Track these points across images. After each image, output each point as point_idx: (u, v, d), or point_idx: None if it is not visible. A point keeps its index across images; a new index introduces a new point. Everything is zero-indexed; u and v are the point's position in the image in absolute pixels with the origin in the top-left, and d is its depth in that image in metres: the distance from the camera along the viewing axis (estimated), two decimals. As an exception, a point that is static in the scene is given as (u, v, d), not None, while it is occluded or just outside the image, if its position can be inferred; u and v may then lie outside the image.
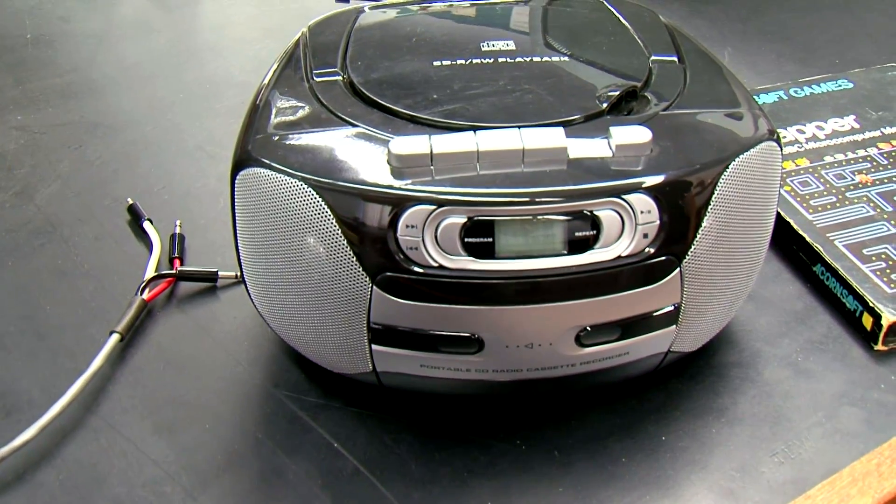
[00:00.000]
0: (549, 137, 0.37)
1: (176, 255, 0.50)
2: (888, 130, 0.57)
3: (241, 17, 0.78)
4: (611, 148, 0.37)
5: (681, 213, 0.37)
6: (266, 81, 0.45)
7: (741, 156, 0.38)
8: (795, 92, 0.61)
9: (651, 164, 0.37)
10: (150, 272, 0.49)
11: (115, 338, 0.45)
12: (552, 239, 0.37)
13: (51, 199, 0.56)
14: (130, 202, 0.54)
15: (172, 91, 0.67)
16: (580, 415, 0.42)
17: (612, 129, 0.38)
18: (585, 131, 0.38)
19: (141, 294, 0.47)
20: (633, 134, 0.37)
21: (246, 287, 0.43)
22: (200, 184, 0.57)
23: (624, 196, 0.36)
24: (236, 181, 0.39)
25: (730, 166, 0.38)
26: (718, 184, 0.38)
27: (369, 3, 0.50)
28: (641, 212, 0.37)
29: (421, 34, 0.46)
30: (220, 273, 0.49)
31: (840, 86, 0.61)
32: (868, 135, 0.57)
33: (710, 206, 0.38)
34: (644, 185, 0.36)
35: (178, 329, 0.47)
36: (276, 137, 0.39)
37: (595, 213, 0.36)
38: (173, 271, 0.49)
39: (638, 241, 0.37)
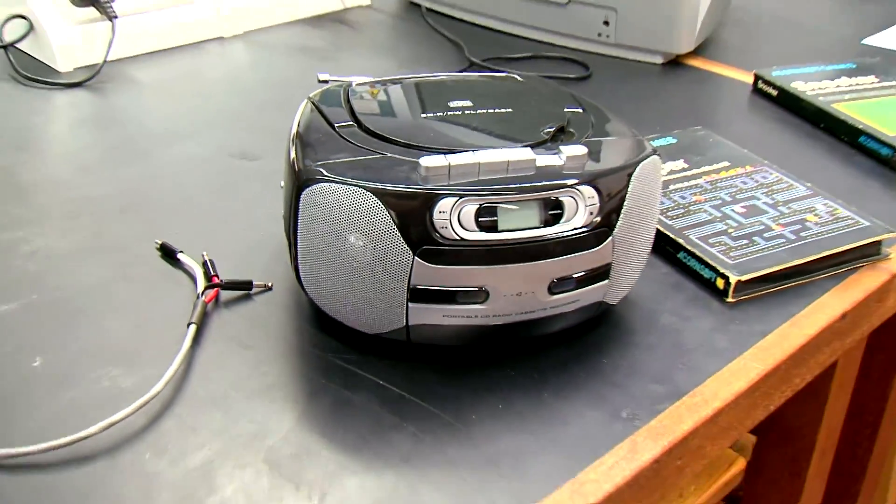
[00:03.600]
0: (524, 153, 0.56)
1: (213, 273, 0.65)
2: (707, 168, 0.80)
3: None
4: (562, 159, 0.57)
5: (611, 198, 0.57)
6: (295, 132, 0.61)
7: (643, 162, 0.59)
8: (638, 148, 0.84)
9: (590, 168, 0.57)
10: (201, 285, 0.63)
11: (193, 327, 0.59)
12: (533, 217, 0.55)
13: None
14: (160, 242, 0.69)
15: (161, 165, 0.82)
16: (544, 350, 0.60)
17: (562, 147, 0.57)
18: (542, 150, 0.58)
19: (201, 298, 0.62)
20: (576, 149, 0.57)
21: (299, 279, 0.58)
22: (205, 226, 0.72)
23: (577, 187, 0.56)
24: (302, 196, 0.56)
25: (637, 168, 0.58)
26: (632, 179, 0.58)
27: (355, 80, 0.68)
28: (588, 197, 0.56)
29: (403, 98, 0.65)
30: (254, 282, 0.65)
31: (669, 141, 0.84)
32: (694, 171, 0.79)
33: (627, 194, 0.57)
34: (588, 180, 0.56)
35: (231, 323, 0.61)
36: (329, 163, 0.56)
37: (560, 198, 0.55)
38: (220, 282, 0.64)
39: (587, 217, 0.56)
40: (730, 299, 0.66)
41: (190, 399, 0.55)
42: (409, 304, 0.56)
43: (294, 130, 0.61)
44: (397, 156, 0.57)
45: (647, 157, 0.60)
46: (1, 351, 0.58)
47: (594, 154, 0.58)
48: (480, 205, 0.54)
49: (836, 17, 1.26)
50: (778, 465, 1.02)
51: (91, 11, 0.98)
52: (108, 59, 0.97)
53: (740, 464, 0.98)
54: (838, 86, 0.97)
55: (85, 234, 0.70)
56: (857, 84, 0.97)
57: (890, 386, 1.14)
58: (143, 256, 0.68)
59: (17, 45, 0.98)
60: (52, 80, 0.94)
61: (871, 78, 0.99)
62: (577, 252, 0.57)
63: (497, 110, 0.63)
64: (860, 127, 0.88)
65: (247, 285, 0.64)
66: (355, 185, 0.54)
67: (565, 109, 0.64)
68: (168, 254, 0.68)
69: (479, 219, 0.54)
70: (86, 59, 0.98)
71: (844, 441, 1.17)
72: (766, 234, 0.70)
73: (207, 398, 0.55)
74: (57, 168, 0.79)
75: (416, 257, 0.54)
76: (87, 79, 0.95)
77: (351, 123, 0.61)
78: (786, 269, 0.67)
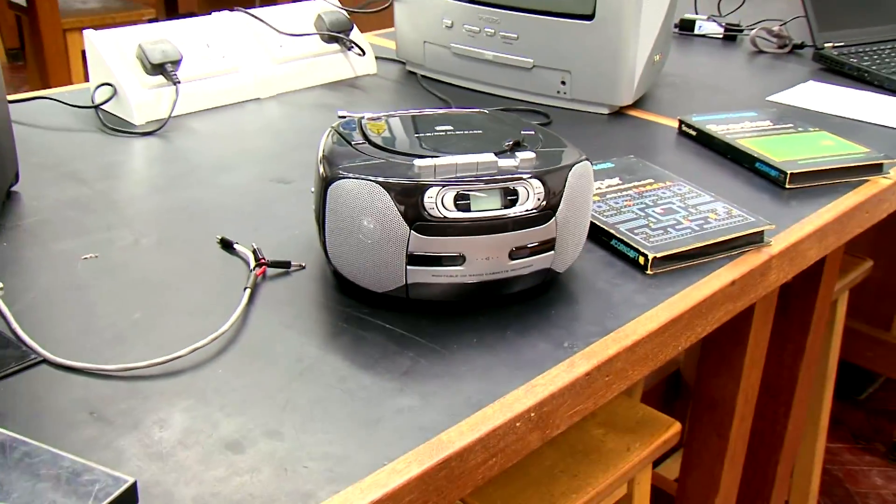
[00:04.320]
0: (489, 157, 0.69)
1: (261, 257, 0.77)
2: (637, 183, 0.93)
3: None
4: (517, 161, 0.69)
5: (554, 189, 0.70)
6: (323, 146, 0.74)
7: (577, 164, 0.72)
8: (584, 171, 0.96)
9: (537, 167, 0.70)
10: (253, 263, 0.76)
11: (248, 291, 0.71)
12: (496, 201, 0.68)
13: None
14: (220, 237, 0.81)
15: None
16: (508, 305, 0.72)
17: (517, 153, 0.70)
18: (502, 156, 0.70)
19: (253, 272, 0.74)
20: (527, 155, 0.70)
21: (326, 252, 0.71)
22: (254, 225, 0.85)
23: (528, 180, 0.68)
24: (329, 190, 0.68)
25: (573, 168, 0.71)
26: (569, 176, 0.70)
27: (366, 114, 0.81)
28: (536, 187, 0.69)
29: (402, 124, 0.78)
30: (291, 262, 0.77)
31: (608, 166, 0.97)
32: (626, 185, 0.92)
33: (565, 187, 0.70)
34: (535, 175, 0.69)
35: (275, 290, 0.74)
36: (347, 166, 0.69)
37: (516, 188, 0.68)
38: (266, 261, 0.76)
39: (536, 202, 0.69)
40: (649, 272, 0.78)
41: (248, 336, 0.67)
42: (408, 268, 0.68)
43: (321, 147, 0.74)
44: (398, 160, 0.70)
45: (581, 161, 0.72)
46: (110, 309, 0.70)
47: (541, 159, 0.71)
48: (458, 192, 0.67)
49: (749, 80, 1.40)
50: (707, 428, 1.13)
51: (160, 78, 1.11)
52: (173, 114, 1.11)
53: (676, 427, 1.09)
54: (742, 127, 1.11)
55: (163, 234, 0.83)
56: (756, 126, 1.11)
57: (797, 373, 1.26)
58: (208, 247, 0.80)
59: (104, 107, 1.12)
60: (130, 130, 1.08)
61: (767, 122, 1.13)
62: (529, 228, 0.69)
63: (471, 132, 0.76)
64: (756, 156, 1.01)
65: (286, 265, 0.77)
66: (367, 180, 0.67)
67: (521, 131, 0.77)
68: (226, 245, 0.80)
69: (457, 202, 0.67)
70: (156, 115, 1.11)
71: (764, 418, 1.29)
72: (677, 227, 0.83)
73: (260, 336, 0.67)
74: (138, 190, 0.92)
75: (412, 231, 0.67)
76: (157, 129, 1.08)
77: (363, 141, 0.74)
78: (691, 249, 0.80)
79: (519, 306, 0.73)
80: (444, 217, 0.67)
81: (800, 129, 1.10)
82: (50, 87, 1.21)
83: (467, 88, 1.30)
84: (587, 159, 0.74)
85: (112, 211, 0.87)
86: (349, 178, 0.67)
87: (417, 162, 0.68)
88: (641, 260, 0.79)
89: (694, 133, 1.12)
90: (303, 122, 1.14)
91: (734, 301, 0.80)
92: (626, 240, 0.80)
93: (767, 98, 1.30)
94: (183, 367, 0.63)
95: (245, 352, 0.65)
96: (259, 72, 1.21)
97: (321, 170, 0.71)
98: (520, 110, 1.22)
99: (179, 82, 1.11)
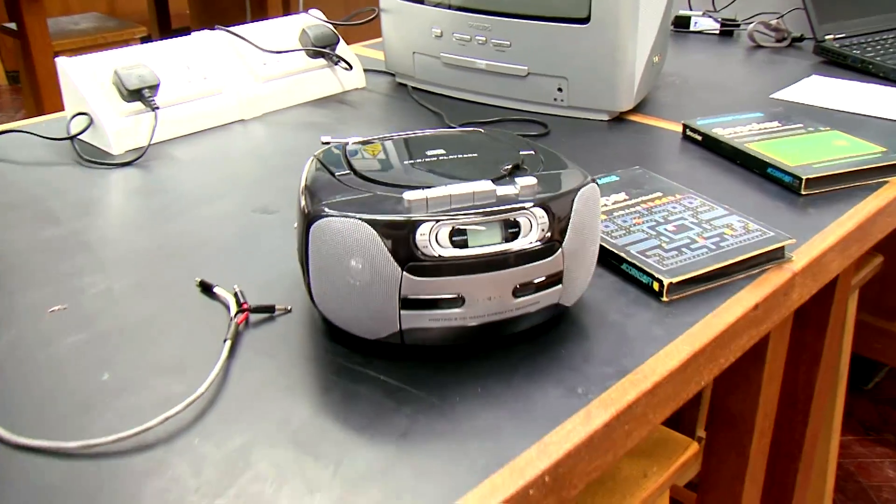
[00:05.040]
0: (486, 185, 0.60)
1: (243, 301, 0.69)
2: (644, 198, 0.84)
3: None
4: (517, 188, 0.61)
5: (559, 217, 0.61)
6: (305, 177, 0.65)
7: (583, 188, 0.63)
8: (587, 186, 0.88)
9: (540, 194, 0.61)
10: (234, 310, 0.67)
11: (228, 343, 0.63)
12: (496, 235, 0.59)
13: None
14: (199, 280, 0.72)
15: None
16: (514, 346, 0.64)
17: (517, 179, 0.61)
18: (501, 183, 0.62)
19: (234, 320, 0.65)
20: (528, 180, 0.61)
21: (311, 297, 0.62)
22: (235, 265, 0.76)
23: (530, 209, 0.60)
24: (311, 229, 0.60)
25: (579, 192, 0.62)
26: (575, 201, 0.62)
27: (350, 140, 0.72)
28: (539, 217, 0.60)
29: (390, 150, 0.69)
30: (276, 306, 0.68)
31: (612, 179, 0.89)
32: (633, 201, 0.83)
33: (572, 213, 0.62)
34: (538, 203, 0.60)
35: (259, 338, 0.65)
36: (331, 202, 0.60)
37: (517, 219, 0.59)
38: (248, 307, 0.67)
39: (540, 233, 0.60)
40: (664, 299, 0.70)
41: (228, 397, 0.59)
42: (401, 312, 0.60)
43: (303, 179, 0.66)
44: (386, 193, 0.61)
45: (587, 184, 0.64)
46: (76, 369, 0.62)
47: (543, 184, 0.62)
48: (453, 227, 0.58)
49: (750, 77, 1.32)
50: (725, 446, 1.05)
51: (138, 105, 1.03)
52: (152, 142, 1.02)
53: (694, 448, 1.01)
54: (750, 130, 1.02)
55: (139, 277, 0.74)
56: (765, 128, 1.02)
57: (815, 379, 1.17)
58: (186, 291, 0.72)
59: (81, 137, 1.03)
60: (108, 161, 0.99)
61: (775, 123, 1.04)
62: (534, 262, 0.60)
63: (465, 155, 0.68)
64: (767, 160, 0.93)
65: (270, 309, 0.68)
66: (352, 218, 0.58)
67: (520, 152, 0.69)
68: (206, 288, 0.72)
69: (453, 238, 0.58)
70: (134, 143, 1.02)
71: (781, 427, 1.20)
72: (692, 246, 0.74)
73: (242, 396, 0.59)
74: (115, 228, 0.83)
75: (404, 272, 0.58)
76: (136, 158, 0.99)
77: (348, 172, 0.65)
78: (708, 272, 0.71)
79: (526, 346, 0.64)
80: (439, 255, 0.58)
81: (810, 129, 1.02)
82: (45, 112, 1.13)
83: (460, 99, 1.21)
84: (594, 181, 0.65)
85: (85, 253, 0.78)
86: (332, 215, 0.59)
87: (407, 195, 0.59)
88: (656, 286, 0.70)
89: (699, 138, 1.03)
90: (289, 143, 1.06)
91: (757, 325, 0.72)
92: (638, 264, 0.72)
93: (771, 96, 1.21)
94: (155, 440, 0.55)
95: (225, 416, 0.57)
96: (243, 92, 1.12)
97: (303, 205, 0.62)
98: (515, 120, 1.13)
99: (158, 108, 1.03)
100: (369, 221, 0.58)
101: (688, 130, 1.05)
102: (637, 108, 1.15)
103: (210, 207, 0.88)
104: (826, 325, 1.12)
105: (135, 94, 1.02)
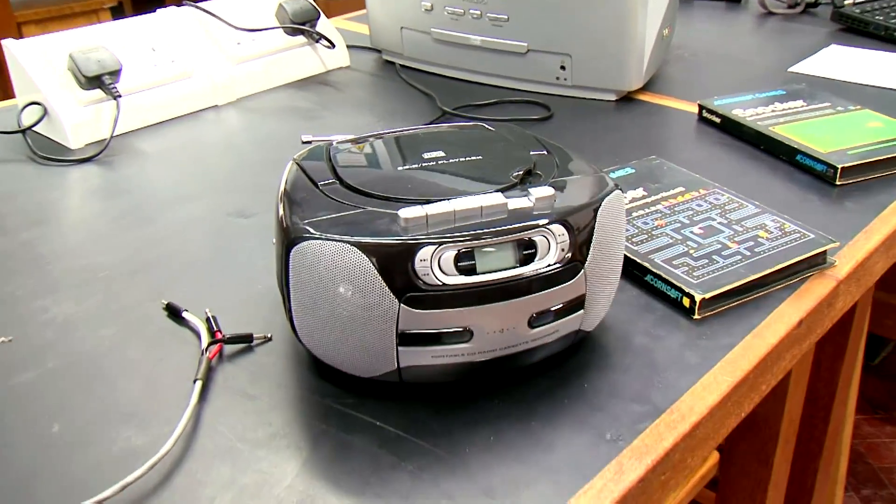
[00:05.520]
0: (496, 198, 0.51)
1: (216, 329, 0.60)
2: (665, 194, 0.76)
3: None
4: (531, 201, 0.52)
5: (580, 233, 0.52)
6: (283, 190, 0.56)
7: (607, 198, 0.54)
8: (599, 179, 0.79)
9: (558, 207, 0.52)
10: (205, 342, 0.59)
11: (199, 384, 0.54)
12: (509, 258, 0.51)
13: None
14: (165, 303, 0.64)
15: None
16: (529, 379, 0.55)
17: (531, 190, 0.53)
18: (512, 194, 0.53)
19: (205, 355, 0.57)
20: (544, 191, 0.52)
21: (294, 330, 0.54)
22: (206, 286, 0.67)
23: (547, 226, 0.51)
24: (291, 254, 0.51)
25: (602, 203, 0.54)
26: (598, 214, 0.53)
27: (335, 138, 0.63)
28: (559, 235, 0.52)
29: (380, 153, 0.60)
30: (254, 335, 0.60)
31: (627, 172, 0.80)
32: (653, 198, 0.75)
33: (595, 228, 0.53)
34: (557, 219, 0.52)
35: (235, 375, 0.57)
36: (314, 221, 0.52)
37: (532, 238, 0.51)
38: (222, 338, 0.59)
39: (559, 253, 0.52)
40: (696, 316, 0.62)
41: (199, 454, 0.50)
42: (399, 349, 0.51)
43: (281, 191, 0.57)
44: (378, 209, 0.52)
45: (611, 192, 0.55)
46: (23, 419, 0.53)
47: (561, 194, 0.54)
48: (459, 250, 0.50)
49: (764, 48, 1.23)
50: (748, 455, 0.97)
51: (97, 93, 0.93)
52: (115, 134, 0.93)
53: (714, 456, 0.94)
54: (773, 110, 0.93)
55: (97, 300, 0.65)
56: (789, 108, 0.94)
57: (837, 376, 1.10)
58: (151, 317, 0.63)
59: (34, 129, 0.93)
60: (65, 157, 0.90)
61: (800, 102, 0.95)
62: (553, 287, 0.52)
63: (468, 158, 0.59)
64: (796, 146, 0.84)
65: (247, 338, 0.60)
66: (340, 241, 0.50)
67: (531, 153, 0.60)
68: (174, 313, 0.63)
69: (459, 263, 0.50)
70: (95, 136, 0.93)
71: (802, 424, 1.13)
72: (724, 253, 0.66)
73: (215, 451, 0.50)
74: (71, 238, 0.74)
75: (401, 305, 0.50)
76: (97, 153, 0.90)
77: (333, 181, 0.56)
78: (745, 283, 0.63)
79: (542, 380, 0.56)
80: (443, 284, 0.50)
81: (839, 108, 0.93)
82: (11, 97, 1.03)
83: (453, 78, 1.12)
84: (619, 188, 0.56)
85: (36, 271, 0.69)
86: (316, 237, 0.50)
87: (404, 212, 0.50)
88: (686, 301, 0.62)
89: (717, 120, 0.95)
90: (267, 132, 0.96)
91: (800, 343, 0.64)
92: (664, 276, 0.64)
93: (789, 69, 1.13)
94: (110, 514, 0.46)
95: (195, 479, 0.49)
96: (215, 75, 1.03)
97: (282, 221, 0.53)
98: (515, 102, 1.04)
99: (120, 96, 0.93)
100: (359, 246, 0.49)
101: (704, 111, 0.97)
102: (646, 87, 1.06)
103: (180, 211, 0.79)
104: (851, 320, 1.05)
105: (94, 81, 0.92)
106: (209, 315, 0.61)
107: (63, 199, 0.82)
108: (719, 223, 0.70)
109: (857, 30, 1.26)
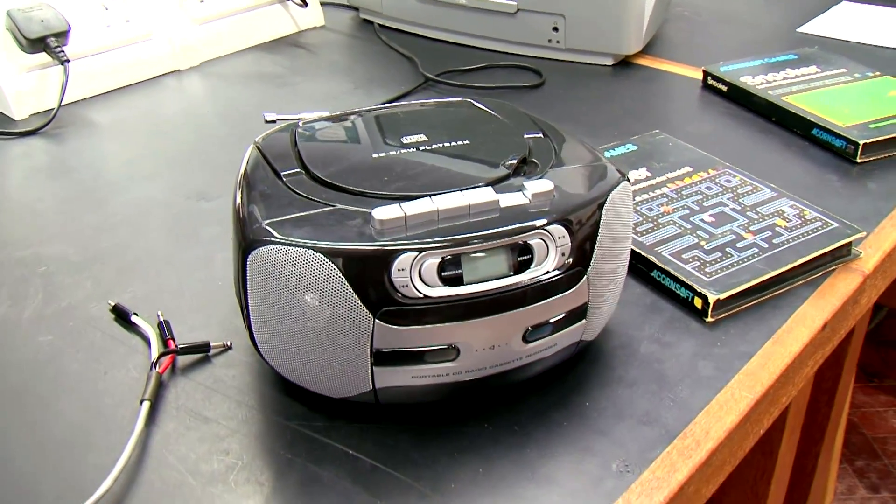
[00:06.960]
0: (486, 194, 0.45)
1: (169, 336, 0.54)
2: (671, 175, 0.69)
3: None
4: (527, 197, 0.45)
5: (583, 235, 0.46)
6: (240, 183, 0.49)
7: (613, 191, 0.48)
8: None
9: (558, 204, 0.46)
10: (156, 352, 0.52)
11: (146, 404, 0.48)
12: (501, 264, 0.44)
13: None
14: (112, 304, 0.57)
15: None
16: (524, 398, 0.49)
17: (526, 184, 0.46)
18: (505, 188, 0.46)
19: (155, 369, 0.50)
20: (541, 185, 0.46)
21: (255, 345, 0.47)
22: (156, 285, 0.61)
23: (546, 228, 0.45)
24: (249, 259, 0.44)
25: (607, 199, 0.47)
26: (603, 212, 0.47)
27: (303, 117, 0.56)
28: (558, 237, 0.45)
29: (352, 136, 0.53)
30: (211, 343, 0.53)
31: (629, 149, 0.73)
32: (658, 179, 0.68)
33: (599, 228, 0.47)
34: (556, 219, 0.45)
35: (189, 393, 0.50)
36: (275, 221, 0.45)
37: (528, 242, 0.44)
38: (174, 348, 0.52)
39: (559, 259, 0.45)
40: (709, 319, 0.56)
41: (144, 492, 0.44)
42: (374, 368, 0.45)
43: (239, 181, 0.50)
44: (349, 206, 0.45)
45: (617, 184, 0.49)
46: (-59, 446, 0.47)
47: (560, 188, 0.47)
48: (443, 257, 0.43)
49: (770, 7, 1.15)
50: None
51: (42, 56, 0.85)
52: (63, 102, 0.85)
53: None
54: (784, 77, 0.86)
55: (36, 301, 0.58)
56: (802, 75, 0.87)
57: (844, 356, 1.05)
58: (96, 321, 0.56)
59: (-27, 95, 0.85)
60: (7, 129, 0.82)
61: (813, 68, 0.88)
62: (551, 297, 0.46)
63: (454, 143, 0.52)
64: (812, 119, 0.77)
65: (204, 347, 0.53)
66: (304, 247, 0.43)
67: (525, 136, 0.53)
68: (121, 316, 0.56)
69: (443, 273, 0.43)
70: (41, 105, 0.85)
71: (807, 410, 1.08)
72: (738, 245, 0.60)
73: (163, 489, 0.44)
74: (9, 226, 0.67)
75: (376, 320, 0.43)
76: (43, 125, 0.82)
77: (298, 171, 0.49)
78: (763, 281, 0.57)
79: (538, 399, 0.50)
80: (424, 296, 0.43)
81: (856, 74, 0.86)
82: None
83: (437, 40, 1.04)
84: (626, 178, 0.50)
85: (-33, 264, 0.62)
86: (277, 241, 0.43)
87: (378, 212, 0.43)
88: (698, 302, 0.56)
89: (724, 88, 0.88)
90: (233, 101, 0.89)
91: (823, 348, 0.58)
92: (673, 272, 0.57)
93: (798, 29, 1.05)
94: (36, 572, 0.40)
95: (137, 522, 0.42)
96: (175, 37, 0.94)
97: (239, 220, 0.46)
98: (504, 66, 0.96)
99: (69, 60, 0.85)
100: (326, 252, 0.42)
101: (709, 78, 0.89)
102: (645, 50, 0.99)
103: (134, 193, 0.71)
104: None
105: (38, 44, 0.84)
106: (161, 319, 0.55)
107: (1, 179, 0.74)
108: (732, 209, 0.64)
109: (868, -14, 1.19)
